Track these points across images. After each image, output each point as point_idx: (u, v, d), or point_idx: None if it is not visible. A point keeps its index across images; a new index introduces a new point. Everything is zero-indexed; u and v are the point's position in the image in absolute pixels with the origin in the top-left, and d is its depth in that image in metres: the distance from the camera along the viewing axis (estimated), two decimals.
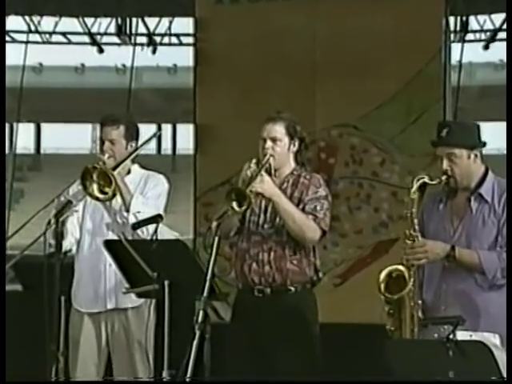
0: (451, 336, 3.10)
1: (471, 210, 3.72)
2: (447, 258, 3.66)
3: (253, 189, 3.85)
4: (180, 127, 33.32)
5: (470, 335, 3.21)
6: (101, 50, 10.85)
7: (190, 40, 10.05)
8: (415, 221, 3.69)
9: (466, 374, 3.07)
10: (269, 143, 4.07)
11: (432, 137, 7.94)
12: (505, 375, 3.05)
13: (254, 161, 4.00)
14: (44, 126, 35.06)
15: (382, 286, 3.71)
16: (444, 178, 3.73)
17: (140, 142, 4.41)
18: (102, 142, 4.37)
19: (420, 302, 3.68)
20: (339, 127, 7.96)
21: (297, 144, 4.14)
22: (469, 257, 3.64)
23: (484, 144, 3.81)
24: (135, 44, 10.42)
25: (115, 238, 4.19)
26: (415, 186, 3.72)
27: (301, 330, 3.98)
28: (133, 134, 4.39)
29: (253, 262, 4.00)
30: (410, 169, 7.78)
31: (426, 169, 7.72)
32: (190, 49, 9.96)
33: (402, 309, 3.67)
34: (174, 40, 11.81)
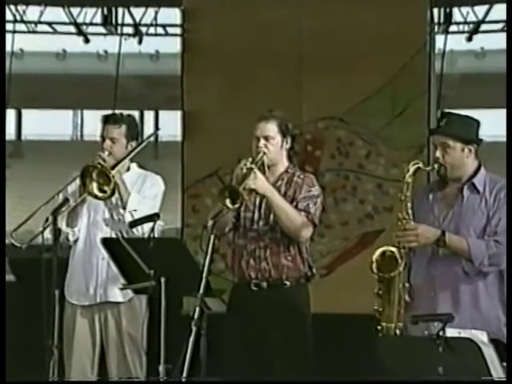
0: (441, 333, 3.21)
1: (463, 198, 3.82)
2: (437, 243, 3.76)
3: (246, 186, 3.94)
4: (163, 114, 33.29)
5: (459, 332, 3.31)
6: (87, 40, 10.87)
7: (176, 30, 10.10)
8: (408, 204, 3.78)
9: (455, 369, 3.18)
10: (262, 141, 4.17)
11: (417, 130, 8.10)
12: (492, 371, 3.16)
13: (249, 159, 4.09)
14: (25, 113, 34.91)
15: (374, 266, 3.76)
16: (436, 165, 3.83)
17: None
18: (103, 140, 4.45)
19: (407, 285, 3.77)
20: (325, 120, 8.06)
21: (289, 141, 4.24)
22: (458, 243, 3.74)
23: (480, 141, 3.89)
24: (121, 34, 10.45)
25: (110, 233, 4.28)
26: (411, 171, 3.80)
27: (296, 322, 4.10)
28: (133, 134, 4.49)
29: (250, 258, 4.11)
30: (395, 161, 7.90)
31: (410, 161, 7.87)
32: (175, 38, 10.04)
33: (391, 290, 3.75)
34: (160, 30, 11.84)
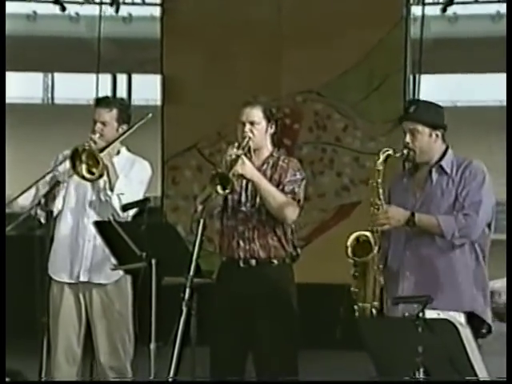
0: (420, 314, 3.39)
1: (431, 181, 4.01)
2: (408, 224, 3.93)
3: (234, 172, 4.09)
4: (136, 77, 33.07)
5: (438, 314, 3.50)
6: (63, 9, 10.86)
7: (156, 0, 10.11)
8: (380, 190, 3.96)
9: (433, 348, 3.37)
10: (248, 126, 4.31)
11: (393, 104, 8.23)
12: (469, 350, 3.35)
13: (236, 145, 4.22)
14: None
15: (350, 250, 3.94)
16: (405, 151, 4.00)
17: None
18: (94, 122, 4.53)
19: (381, 266, 3.94)
20: (303, 93, 8.19)
21: (273, 126, 4.38)
22: (427, 221, 3.92)
23: (445, 127, 4.07)
24: (101, 3, 10.46)
25: (96, 215, 4.42)
26: (381, 158, 3.97)
27: (281, 297, 4.29)
28: (124, 118, 4.57)
29: (240, 239, 4.28)
30: (371, 134, 8.07)
31: (386, 135, 8.05)
32: (155, 8, 10.04)
33: (366, 272, 3.93)
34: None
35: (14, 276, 6.36)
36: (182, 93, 8.36)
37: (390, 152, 3.98)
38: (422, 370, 3.39)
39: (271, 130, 4.38)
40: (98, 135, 4.46)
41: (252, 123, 4.31)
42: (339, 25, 8.06)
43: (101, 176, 4.26)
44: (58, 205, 4.47)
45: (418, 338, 3.37)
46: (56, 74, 36.27)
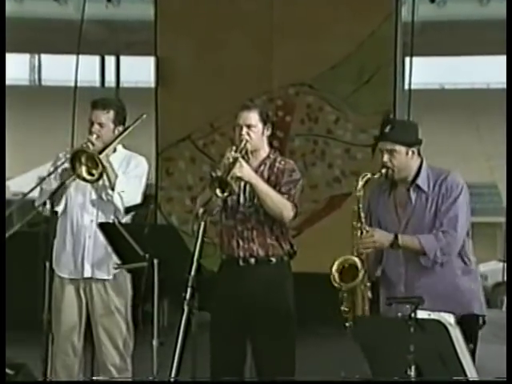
0: (412, 314, 3.55)
1: (411, 201, 4.16)
2: (392, 246, 4.10)
3: (233, 174, 4.23)
4: (124, 59, 33.01)
5: (429, 314, 3.66)
6: None
7: None
8: (362, 214, 4.11)
9: (424, 347, 3.54)
10: (245, 129, 4.44)
11: (383, 96, 8.36)
12: (458, 349, 3.52)
13: (233, 148, 4.36)
14: None
15: (336, 276, 4.10)
16: (384, 170, 4.14)
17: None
18: (91, 124, 4.65)
19: (369, 284, 4.10)
20: (295, 86, 8.32)
21: (269, 129, 4.52)
22: (410, 242, 4.08)
23: (420, 142, 4.21)
24: None
25: (97, 213, 4.57)
26: (360, 184, 4.13)
27: (279, 293, 4.46)
28: (120, 119, 4.69)
29: (239, 238, 4.43)
30: (362, 127, 8.22)
31: (377, 127, 8.17)
32: None
33: (354, 295, 4.09)
34: None
35: (18, 270, 6.53)
36: (175, 75, 8.44)
37: (369, 176, 4.13)
38: (413, 367, 3.55)
39: (267, 132, 4.52)
40: (95, 136, 4.59)
41: (249, 126, 4.45)
42: (330, 17, 8.18)
43: (100, 177, 4.39)
44: (60, 201, 4.58)
45: (410, 337, 3.53)
46: (43, 56, 36.18)
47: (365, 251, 4.08)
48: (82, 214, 4.62)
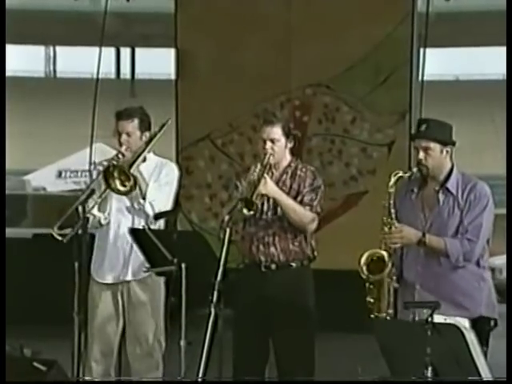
0: (429, 319, 3.73)
1: (438, 202, 4.32)
2: (418, 244, 4.25)
3: (258, 192, 4.44)
4: (139, 51, 33.17)
5: (445, 319, 3.84)
6: None
7: None
8: (392, 210, 4.27)
9: (441, 350, 3.71)
10: (268, 144, 4.62)
11: (399, 96, 8.51)
12: (473, 352, 3.69)
13: (258, 165, 4.53)
14: None
15: (364, 268, 4.26)
16: (415, 169, 4.32)
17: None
18: (119, 135, 4.81)
19: (395, 277, 4.26)
20: (313, 87, 8.49)
21: (292, 141, 4.69)
22: (437, 243, 4.24)
23: (454, 143, 4.38)
24: None
25: (132, 220, 4.75)
26: (392, 181, 4.29)
27: (301, 299, 4.64)
28: (146, 125, 4.85)
29: (259, 244, 4.61)
30: (378, 126, 8.40)
31: (393, 126, 8.37)
32: None
33: (380, 288, 4.25)
34: None
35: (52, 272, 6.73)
36: (195, 69, 8.58)
37: (401, 173, 4.31)
38: (430, 368, 3.73)
39: (290, 145, 4.70)
40: (124, 147, 4.76)
41: (272, 141, 4.62)
42: (348, 19, 8.33)
43: (133, 188, 4.57)
44: (95, 212, 4.74)
45: (427, 340, 3.70)
46: (59, 48, 36.32)
47: (393, 246, 4.23)
48: (120, 222, 4.78)
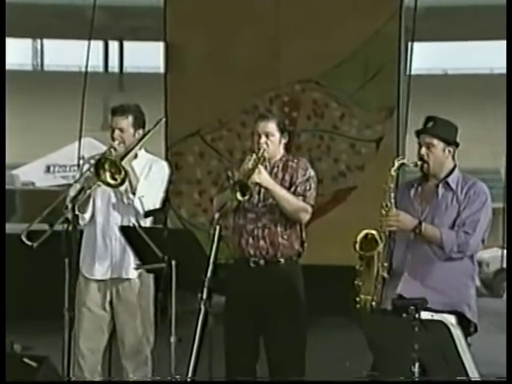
0: (417, 315, 3.78)
1: (438, 195, 4.37)
2: (414, 231, 4.31)
3: (252, 180, 4.46)
4: (127, 45, 33.10)
5: (432, 315, 3.89)
6: None
7: None
8: (392, 194, 4.32)
9: (428, 346, 3.77)
10: (263, 138, 4.67)
11: (388, 93, 8.54)
12: (459, 348, 3.75)
13: (253, 155, 4.57)
14: None
15: (358, 245, 4.30)
16: (419, 162, 4.37)
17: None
18: (113, 130, 4.87)
19: (386, 264, 4.31)
20: (302, 83, 8.52)
21: (286, 137, 4.74)
22: (432, 232, 4.29)
23: (457, 145, 4.43)
24: None
25: (121, 217, 4.79)
26: (396, 165, 4.35)
27: (289, 294, 4.67)
28: (140, 123, 4.90)
29: (249, 236, 4.65)
30: (367, 122, 8.44)
31: (381, 122, 8.41)
32: None
33: (370, 267, 4.29)
34: None
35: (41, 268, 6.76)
36: (185, 63, 8.57)
37: (405, 161, 4.38)
38: (417, 364, 3.79)
39: (284, 141, 4.75)
40: (117, 142, 4.81)
41: (267, 135, 4.67)
42: (337, 15, 8.35)
43: (123, 182, 4.61)
44: (86, 208, 4.77)
45: (414, 337, 3.76)
46: (46, 41, 36.20)
47: (388, 229, 4.28)
48: (108, 218, 4.82)
